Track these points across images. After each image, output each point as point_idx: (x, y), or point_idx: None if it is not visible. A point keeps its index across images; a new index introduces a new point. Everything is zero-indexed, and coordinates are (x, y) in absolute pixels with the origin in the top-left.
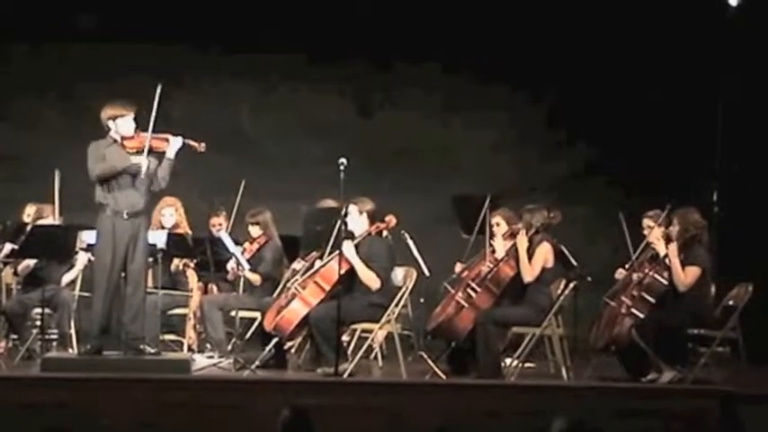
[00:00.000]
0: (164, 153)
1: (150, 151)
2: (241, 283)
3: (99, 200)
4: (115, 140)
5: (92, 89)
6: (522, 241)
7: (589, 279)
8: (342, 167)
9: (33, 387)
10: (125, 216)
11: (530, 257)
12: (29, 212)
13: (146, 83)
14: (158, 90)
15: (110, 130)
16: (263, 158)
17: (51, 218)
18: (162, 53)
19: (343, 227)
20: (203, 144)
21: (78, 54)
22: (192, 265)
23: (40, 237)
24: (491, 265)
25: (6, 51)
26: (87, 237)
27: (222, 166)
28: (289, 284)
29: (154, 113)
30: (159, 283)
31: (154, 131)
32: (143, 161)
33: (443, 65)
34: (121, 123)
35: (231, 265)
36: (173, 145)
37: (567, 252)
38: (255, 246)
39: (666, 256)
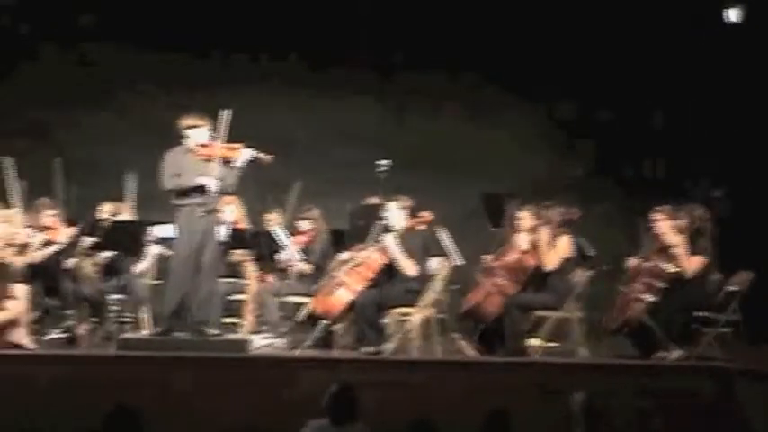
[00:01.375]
0: (233, 162)
1: (221, 159)
2: (293, 272)
3: (174, 201)
4: (189, 149)
5: (155, 100)
6: (543, 236)
7: (604, 268)
8: (383, 169)
9: (111, 365)
10: (199, 213)
11: (551, 250)
12: (106, 210)
13: (205, 94)
14: (227, 115)
15: (185, 138)
16: (311, 162)
17: (126, 215)
18: (216, 64)
19: (384, 222)
20: (271, 157)
21: (140, 66)
22: (249, 256)
23: (117, 232)
24: (516, 256)
25: (83, 61)
26: (158, 231)
27: (275, 168)
28: (335, 273)
29: (224, 129)
30: (222, 272)
31: (224, 142)
32: (211, 182)
33: (472, 72)
34: (196, 133)
35: (284, 256)
36: (243, 156)
37: (584, 244)
38: (306, 239)
39: (675, 246)
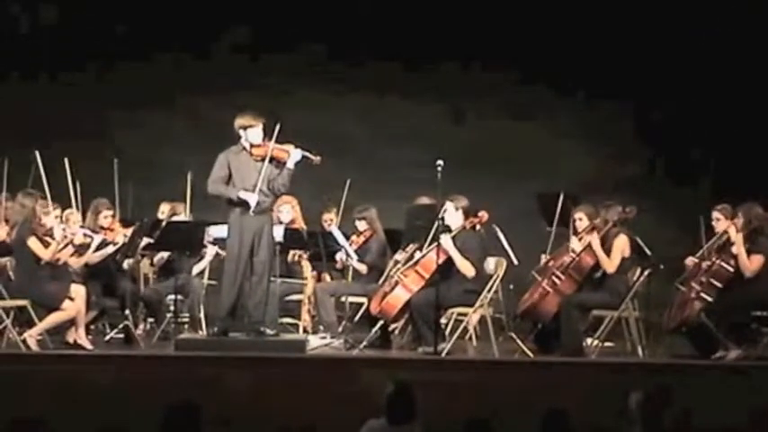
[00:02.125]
0: (285, 163)
1: (272, 160)
2: (350, 272)
3: (227, 204)
4: (244, 147)
5: (213, 102)
6: (596, 241)
7: (662, 267)
8: (439, 168)
9: (168, 365)
10: (252, 213)
11: (608, 250)
12: (163, 210)
13: (261, 94)
14: (277, 127)
15: (240, 138)
16: (368, 162)
17: (183, 215)
18: (271, 66)
19: (440, 221)
20: (319, 157)
21: (198, 68)
22: (306, 256)
23: (173, 231)
24: (573, 256)
25: (143, 65)
26: (215, 231)
27: (331, 169)
28: (392, 273)
29: (275, 137)
30: (278, 272)
31: (277, 143)
32: (252, 200)
33: (525, 72)
34: (251, 133)
35: (341, 256)
36: (293, 156)
37: (641, 243)
38: (362, 239)
39: (734, 244)
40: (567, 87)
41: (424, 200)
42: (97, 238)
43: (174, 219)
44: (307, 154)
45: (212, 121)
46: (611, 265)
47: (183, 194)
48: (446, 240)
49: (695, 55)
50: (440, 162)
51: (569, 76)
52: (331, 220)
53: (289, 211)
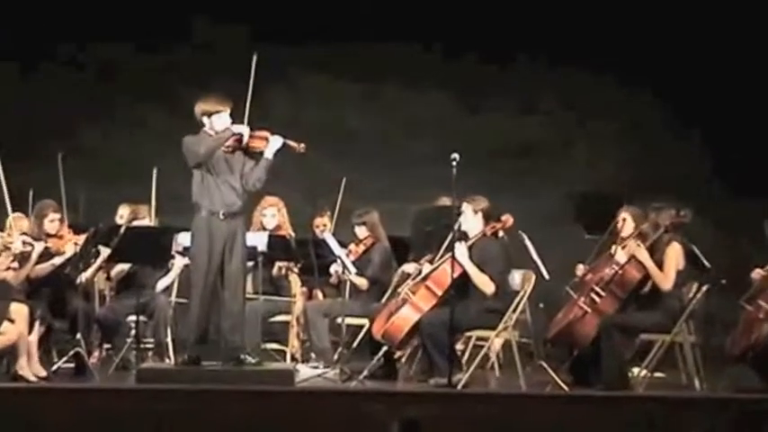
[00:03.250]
0: (261, 153)
1: (247, 150)
2: (347, 288)
3: (195, 198)
4: (210, 136)
5: (188, 91)
6: (644, 251)
7: (723, 282)
8: (454, 163)
9: (128, 399)
10: (221, 216)
11: (659, 261)
12: (122, 213)
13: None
14: (254, 59)
15: (203, 126)
16: (368, 156)
17: (147, 219)
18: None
19: (456, 227)
20: (303, 145)
21: (176, 57)
22: (294, 268)
23: (134, 239)
24: (616, 268)
25: (109, 53)
26: (184, 239)
27: (326, 165)
28: (398, 289)
29: (248, 104)
30: (260, 289)
31: (252, 129)
32: (244, 129)
33: (555, 59)
34: (216, 120)
35: (336, 268)
36: (272, 144)
37: (698, 253)
38: (362, 248)
39: None
40: (600, 72)
41: (440, 201)
42: (38, 247)
43: (136, 224)
44: (288, 141)
45: (185, 112)
46: (664, 279)
47: (147, 195)
48: (461, 250)
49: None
50: (455, 156)
51: (601, 60)
52: (324, 226)
53: (274, 214)
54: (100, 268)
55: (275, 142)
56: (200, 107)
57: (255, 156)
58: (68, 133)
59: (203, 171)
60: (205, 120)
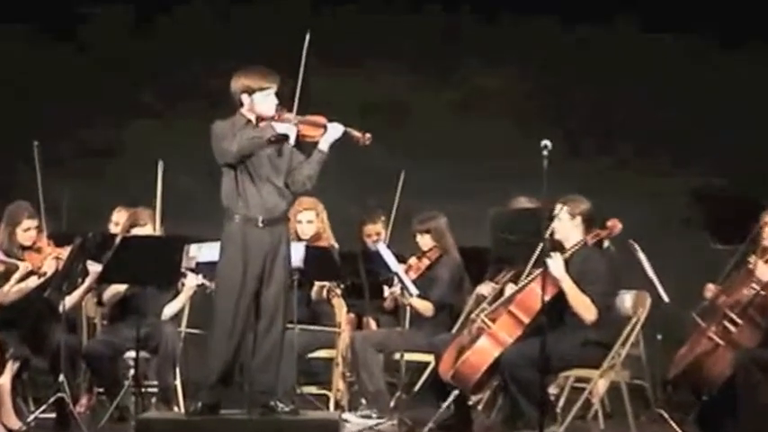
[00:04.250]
0: (314, 143)
1: (297, 140)
2: (407, 315)
3: (226, 202)
4: (249, 120)
5: (196, 70)
6: None
7: None
8: (545, 153)
9: None
10: (260, 224)
11: None
12: (117, 220)
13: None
14: (307, 38)
15: (242, 106)
16: (433, 144)
17: (150, 227)
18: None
19: (547, 235)
20: (369, 135)
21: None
22: (338, 290)
23: (133, 252)
24: (757, 287)
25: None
26: (199, 251)
27: (378, 155)
28: (473, 315)
29: (299, 84)
30: (296, 316)
31: (300, 114)
32: (291, 129)
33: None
34: (260, 99)
35: (393, 289)
36: (329, 134)
37: None
38: (426, 262)
39: None
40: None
41: (527, 202)
42: (22, 268)
43: (135, 233)
44: (351, 130)
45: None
46: None
47: (150, 196)
48: (556, 265)
49: None
50: (546, 143)
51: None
52: (377, 235)
53: (311, 220)
54: (89, 290)
55: (334, 131)
56: (239, 81)
57: (305, 146)
58: (45, 118)
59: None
60: (245, 98)
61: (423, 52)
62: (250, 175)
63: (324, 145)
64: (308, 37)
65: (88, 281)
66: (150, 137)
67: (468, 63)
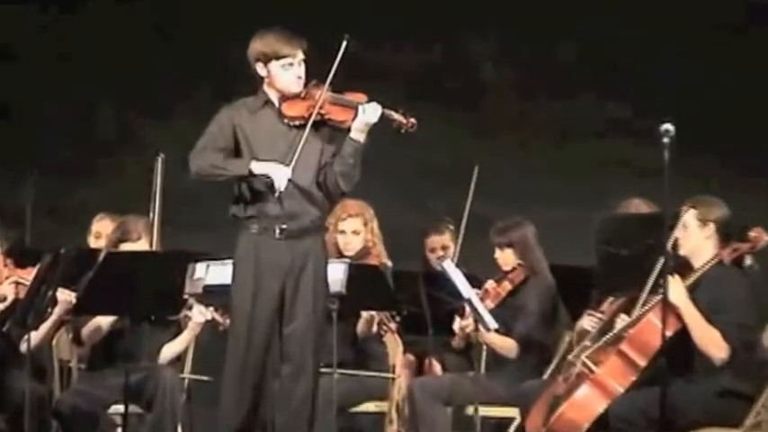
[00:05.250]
0: (346, 129)
1: (324, 123)
2: (482, 355)
3: (235, 209)
4: (267, 101)
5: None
6: None
7: None
8: (666, 140)
9: None
10: (278, 235)
11: None
12: (99, 231)
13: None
14: (343, 45)
15: (261, 80)
16: (516, 129)
17: (143, 240)
18: None
19: (668, 249)
20: (413, 120)
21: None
22: (392, 323)
23: (121, 275)
24: None
25: None
26: (204, 273)
27: (444, 144)
28: (570, 356)
29: (335, 66)
30: (335, 358)
31: (335, 90)
32: (281, 176)
33: None
34: (278, 70)
35: (464, 321)
36: (362, 118)
37: None
38: (507, 286)
39: None
40: None
41: (640, 206)
42: None
43: (125, 248)
44: (390, 112)
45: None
46: None
47: (144, 200)
48: (678, 290)
49: None
50: (667, 127)
51: None
52: (444, 249)
53: (358, 230)
54: (61, 324)
55: (368, 114)
56: (252, 47)
57: (339, 134)
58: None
59: (246, 157)
60: (259, 68)
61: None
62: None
63: (356, 133)
64: (344, 44)
65: (58, 311)
66: (148, 123)
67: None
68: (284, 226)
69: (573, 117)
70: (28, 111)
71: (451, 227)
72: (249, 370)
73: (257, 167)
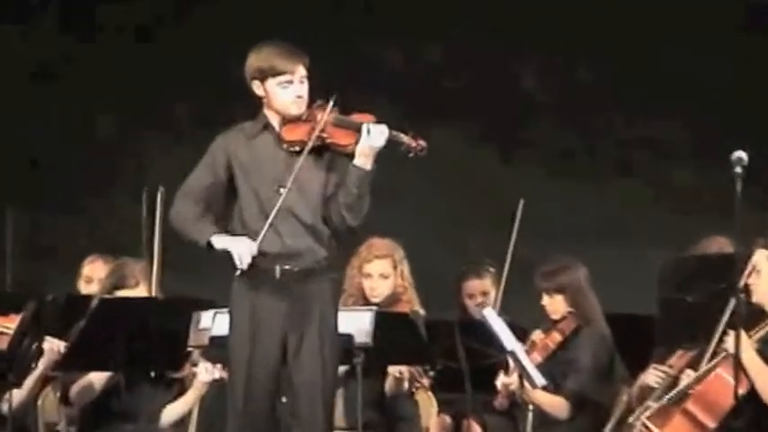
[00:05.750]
0: (351, 155)
1: (325, 148)
2: (528, 416)
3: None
4: (267, 125)
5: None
6: None
7: None
8: (738, 169)
9: None
10: (278, 274)
11: None
12: (91, 275)
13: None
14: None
15: (261, 101)
16: (568, 153)
17: (143, 287)
18: None
19: (739, 294)
20: (422, 142)
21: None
22: (426, 379)
23: (116, 325)
24: None
25: None
26: (210, 322)
27: (482, 175)
28: (631, 419)
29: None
30: (360, 418)
31: (340, 108)
32: (241, 250)
33: None
34: (275, 89)
35: (507, 378)
36: (369, 138)
37: None
38: (557, 337)
39: None
40: None
41: (723, 244)
42: None
43: (120, 295)
44: (397, 134)
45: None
46: None
47: (141, 238)
48: (750, 354)
49: None
50: (740, 155)
51: None
52: (484, 296)
53: (386, 274)
54: (47, 381)
55: (375, 135)
56: (251, 64)
57: (343, 160)
58: None
59: (242, 188)
60: (255, 86)
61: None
62: (261, 205)
63: (361, 158)
64: (331, 102)
65: (44, 363)
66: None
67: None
68: (286, 267)
69: (628, 144)
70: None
71: (492, 269)
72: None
73: (218, 242)
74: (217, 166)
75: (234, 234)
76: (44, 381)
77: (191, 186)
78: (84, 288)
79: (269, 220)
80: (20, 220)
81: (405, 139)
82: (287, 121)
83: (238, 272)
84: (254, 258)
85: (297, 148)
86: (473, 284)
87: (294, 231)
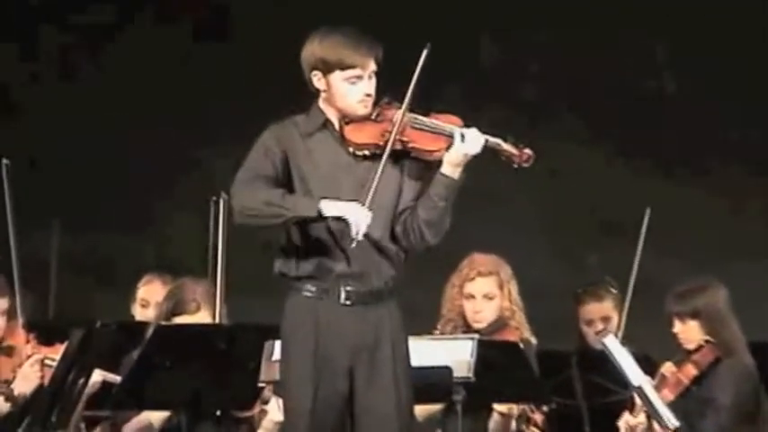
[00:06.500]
0: (435, 163)
1: (406, 154)
2: None
3: (281, 268)
4: (326, 122)
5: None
6: None
7: None
8: None
9: None
10: (344, 300)
11: None
12: (147, 298)
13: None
14: (424, 53)
15: (318, 93)
16: (698, 157)
17: (206, 312)
18: None
19: None
20: (527, 150)
21: None
22: (537, 416)
23: (176, 356)
24: None
25: None
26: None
27: (602, 179)
28: None
29: (415, 78)
30: None
31: (413, 111)
32: (358, 217)
33: None
34: (340, 83)
35: (633, 418)
36: (464, 145)
37: None
38: (692, 371)
39: None
40: None
41: None
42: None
43: (179, 322)
44: (497, 141)
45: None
46: None
47: (203, 255)
48: None
49: None
50: None
51: None
52: (605, 321)
53: (491, 295)
54: (95, 422)
55: (470, 141)
56: (313, 52)
57: (423, 169)
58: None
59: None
60: (315, 79)
61: None
62: (321, 224)
63: (450, 167)
64: (425, 53)
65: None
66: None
67: None
68: (350, 288)
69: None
70: None
71: (615, 291)
72: None
73: (329, 208)
74: (273, 160)
75: (289, 248)
76: (93, 421)
77: (251, 173)
78: (140, 314)
79: (368, 198)
80: (66, 235)
81: (506, 147)
82: (349, 119)
83: (353, 243)
84: (314, 277)
85: (366, 152)
86: (592, 308)
87: (360, 249)
